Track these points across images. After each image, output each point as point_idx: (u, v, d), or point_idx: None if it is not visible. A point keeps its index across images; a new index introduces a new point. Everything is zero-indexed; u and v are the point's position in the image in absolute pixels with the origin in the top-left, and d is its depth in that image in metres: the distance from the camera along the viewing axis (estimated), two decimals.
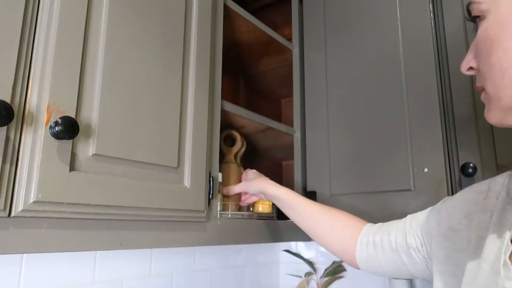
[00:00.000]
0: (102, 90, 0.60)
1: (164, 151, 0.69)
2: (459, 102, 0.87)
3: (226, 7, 0.94)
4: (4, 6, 0.50)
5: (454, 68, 0.89)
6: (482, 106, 0.49)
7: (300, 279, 1.33)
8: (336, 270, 1.27)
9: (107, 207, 0.59)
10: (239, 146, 1.11)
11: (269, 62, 1.26)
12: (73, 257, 0.84)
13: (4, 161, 0.48)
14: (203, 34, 0.81)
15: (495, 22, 0.45)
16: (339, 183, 1.03)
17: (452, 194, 0.84)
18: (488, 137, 0.82)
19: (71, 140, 0.55)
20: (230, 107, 0.91)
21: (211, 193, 0.79)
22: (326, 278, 1.27)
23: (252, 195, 0.92)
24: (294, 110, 1.16)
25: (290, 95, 1.21)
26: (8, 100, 0.49)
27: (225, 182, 0.97)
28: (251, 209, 1.07)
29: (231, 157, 1.10)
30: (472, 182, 0.57)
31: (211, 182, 0.79)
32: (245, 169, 1.01)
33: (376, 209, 0.94)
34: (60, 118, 0.52)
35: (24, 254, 0.76)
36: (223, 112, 0.89)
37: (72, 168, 0.55)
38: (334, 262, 1.27)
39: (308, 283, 1.31)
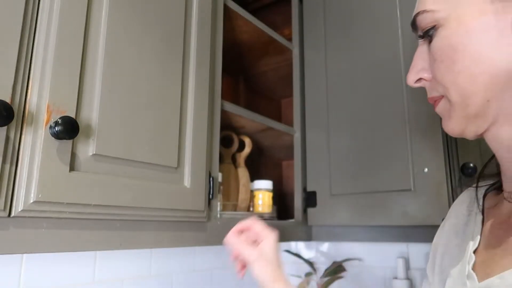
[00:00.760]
0: (102, 90, 0.60)
1: (164, 151, 0.69)
2: None
3: (226, 7, 0.94)
4: (4, 6, 0.50)
5: None
6: None
7: (300, 279, 1.33)
8: (336, 270, 1.27)
9: (107, 207, 0.59)
10: (236, 147, 1.11)
11: (269, 62, 1.26)
12: (73, 257, 0.84)
13: (4, 161, 0.48)
14: (203, 34, 0.81)
15: (459, 29, 0.43)
16: (339, 183, 1.03)
17: (452, 194, 0.84)
18: None
19: (71, 140, 0.55)
20: (230, 107, 0.91)
21: (211, 193, 0.79)
22: (326, 278, 1.27)
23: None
24: (294, 110, 1.16)
25: (290, 95, 1.21)
26: (8, 100, 0.49)
27: (223, 183, 0.97)
28: (251, 209, 1.08)
29: (228, 158, 1.10)
30: (473, 182, 0.57)
31: (211, 182, 0.79)
32: (249, 170, 1.00)
33: (376, 209, 0.94)
34: (60, 118, 0.52)
35: (24, 254, 0.76)
36: (223, 112, 0.89)
37: (72, 168, 0.55)
38: (334, 262, 1.27)
39: (308, 283, 1.31)
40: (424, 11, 0.45)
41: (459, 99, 0.44)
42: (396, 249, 1.19)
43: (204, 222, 0.77)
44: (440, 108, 0.48)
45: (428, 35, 0.46)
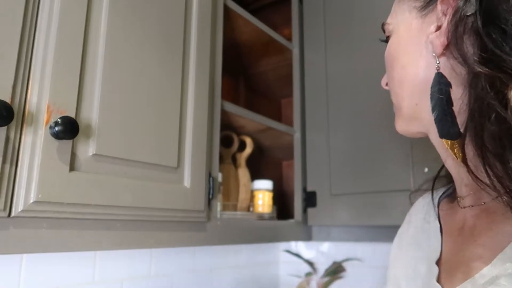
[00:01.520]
0: (102, 90, 0.60)
1: (164, 151, 0.69)
2: None
3: (226, 7, 0.94)
4: (4, 6, 0.50)
5: None
6: None
7: (300, 279, 1.33)
8: (336, 270, 1.27)
9: (107, 207, 0.59)
10: (236, 147, 1.11)
11: (269, 62, 1.26)
12: (73, 257, 0.84)
13: (4, 161, 0.48)
14: (203, 34, 0.81)
15: (395, 40, 0.50)
16: (339, 183, 1.03)
17: None
18: None
19: (71, 140, 0.55)
20: (230, 107, 0.91)
21: (211, 193, 0.79)
22: (326, 278, 1.27)
23: None
24: (294, 110, 1.16)
25: (290, 95, 1.21)
26: (8, 100, 0.49)
27: (223, 183, 0.97)
28: (251, 209, 1.08)
29: (228, 158, 1.10)
30: (427, 188, 0.58)
31: (211, 182, 0.79)
32: (249, 170, 1.00)
33: (376, 209, 0.94)
34: (60, 118, 0.52)
35: (24, 254, 0.76)
36: (223, 112, 0.89)
37: (72, 168, 0.55)
38: (334, 262, 1.27)
39: (308, 283, 1.31)
40: (384, 24, 0.53)
41: (396, 102, 0.51)
42: None
43: (204, 222, 0.77)
44: (394, 109, 0.54)
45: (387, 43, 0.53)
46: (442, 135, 0.43)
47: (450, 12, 0.43)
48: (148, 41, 0.68)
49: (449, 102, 0.43)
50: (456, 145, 0.43)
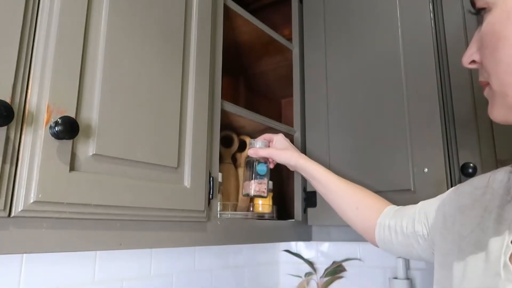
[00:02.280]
0: (102, 90, 0.60)
1: (164, 151, 0.69)
2: (459, 101, 0.87)
3: (226, 7, 0.94)
4: (4, 6, 0.50)
5: (454, 67, 0.89)
6: (482, 105, 0.49)
7: (300, 279, 1.33)
8: (336, 270, 1.27)
9: (107, 207, 0.59)
10: (236, 147, 1.11)
11: (269, 62, 1.26)
12: (73, 257, 0.84)
13: (4, 161, 0.48)
14: (203, 34, 0.81)
15: (502, 16, 0.42)
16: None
17: None
18: (488, 137, 0.82)
19: (71, 140, 0.55)
20: (230, 107, 0.91)
21: (211, 193, 0.79)
22: (326, 278, 1.27)
23: (279, 162, 0.92)
24: (294, 110, 1.16)
25: (290, 95, 1.21)
26: (8, 100, 0.49)
27: (223, 183, 0.96)
28: (251, 209, 1.07)
29: (228, 158, 1.10)
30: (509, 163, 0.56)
31: (211, 182, 0.79)
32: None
33: None
34: (60, 118, 0.52)
35: (24, 254, 0.76)
36: (223, 112, 0.89)
37: (72, 168, 0.55)
38: (334, 262, 1.27)
39: (308, 283, 1.31)
40: None
41: (499, 88, 0.44)
42: None
43: (204, 222, 0.77)
44: (486, 93, 0.48)
45: (480, 15, 0.46)
46: None
47: None
48: (148, 41, 0.68)
49: None
50: None
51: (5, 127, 0.48)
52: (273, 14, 1.34)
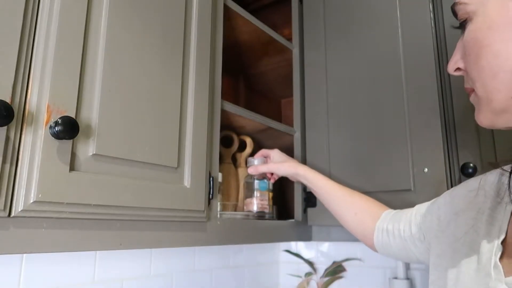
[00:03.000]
0: (102, 90, 0.60)
1: (164, 151, 0.69)
2: (459, 102, 0.87)
3: (226, 7, 0.94)
4: (4, 6, 0.50)
5: None
6: None
7: (300, 279, 1.33)
8: (336, 270, 1.27)
9: (107, 207, 0.59)
10: (236, 147, 1.11)
11: (269, 62, 1.26)
12: (73, 257, 0.84)
13: (4, 161, 0.48)
14: (203, 34, 0.81)
15: (484, 24, 0.44)
16: (339, 183, 1.02)
17: None
18: (488, 137, 0.82)
19: (71, 140, 0.55)
20: (230, 107, 0.91)
21: (211, 193, 0.79)
22: (326, 278, 1.27)
23: (280, 176, 0.96)
24: (294, 110, 1.16)
25: (290, 95, 1.21)
26: (8, 100, 0.49)
27: (223, 183, 0.97)
28: (253, 209, 1.07)
29: (228, 158, 1.10)
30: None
31: (211, 182, 0.79)
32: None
33: None
34: (60, 118, 0.52)
35: (24, 254, 0.76)
36: (223, 112, 0.89)
37: (72, 168, 0.55)
38: (334, 262, 1.27)
39: (308, 283, 1.31)
40: (458, 3, 0.46)
41: (483, 94, 0.45)
42: None
43: (204, 222, 0.77)
44: (472, 99, 0.49)
45: (463, 25, 0.47)
46: None
47: None
48: (148, 41, 0.68)
49: None
50: None
51: (5, 127, 0.48)
52: (273, 14, 1.34)
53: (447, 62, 0.90)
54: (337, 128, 1.06)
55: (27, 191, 0.50)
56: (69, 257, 0.84)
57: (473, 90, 0.47)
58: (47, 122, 0.52)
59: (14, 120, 0.49)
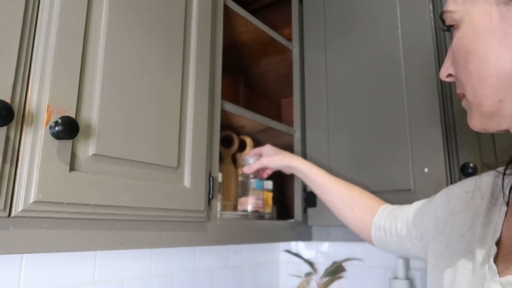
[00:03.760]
0: (102, 90, 0.60)
1: (164, 151, 0.69)
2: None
3: (226, 7, 0.94)
4: (4, 6, 0.50)
5: None
6: None
7: (300, 279, 1.33)
8: (336, 270, 1.27)
9: (107, 207, 0.59)
10: (236, 147, 1.11)
11: (269, 62, 1.26)
12: (73, 257, 0.84)
13: (4, 161, 0.48)
14: (203, 34, 0.81)
15: (470, 31, 0.45)
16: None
17: None
18: (488, 137, 0.82)
19: (71, 140, 0.55)
20: (230, 107, 0.91)
21: (211, 193, 0.79)
22: (326, 278, 1.27)
23: (273, 169, 0.96)
24: (294, 110, 1.16)
25: (290, 95, 1.21)
26: (8, 100, 0.49)
27: (223, 183, 0.97)
28: (247, 208, 1.07)
29: (228, 158, 1.10)
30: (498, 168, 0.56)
31: (211, 182, 0.79)
32: None
33: None
34: (60, 118, 0.52)
35: (24, 254, 0.76)
36: (223, 112, 0.89)
37: (72, 168, 0.55)
38: (334, 262, 1.27)
39: (308, 283, 1.31)
40: (445, 11, 0.48)
41: (473, 99, 0.46)
42: None
43: (204, 222, 0.77)
44: (463, 104, 0.50)
45: (451, 32, 0.48)
46: None
47: None
48: (148, 41, 0.68)
49: None
50: None
51: (5, 127, 0.48)
52: (273, 14, 1.34)
53: None
54: (337, 128, 1.06)
55: (27, 191, 0.50)
56: (69, 257, 0.84)
57: (464, 95, 0.48)
58: (47, 122, 0.52)
59: (14, 120, 0.49)
